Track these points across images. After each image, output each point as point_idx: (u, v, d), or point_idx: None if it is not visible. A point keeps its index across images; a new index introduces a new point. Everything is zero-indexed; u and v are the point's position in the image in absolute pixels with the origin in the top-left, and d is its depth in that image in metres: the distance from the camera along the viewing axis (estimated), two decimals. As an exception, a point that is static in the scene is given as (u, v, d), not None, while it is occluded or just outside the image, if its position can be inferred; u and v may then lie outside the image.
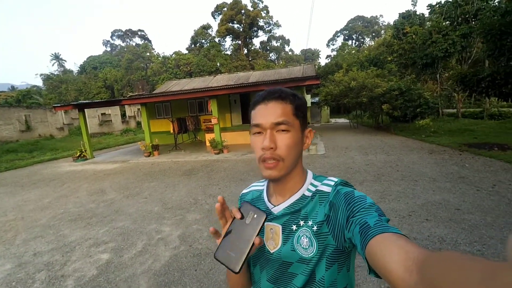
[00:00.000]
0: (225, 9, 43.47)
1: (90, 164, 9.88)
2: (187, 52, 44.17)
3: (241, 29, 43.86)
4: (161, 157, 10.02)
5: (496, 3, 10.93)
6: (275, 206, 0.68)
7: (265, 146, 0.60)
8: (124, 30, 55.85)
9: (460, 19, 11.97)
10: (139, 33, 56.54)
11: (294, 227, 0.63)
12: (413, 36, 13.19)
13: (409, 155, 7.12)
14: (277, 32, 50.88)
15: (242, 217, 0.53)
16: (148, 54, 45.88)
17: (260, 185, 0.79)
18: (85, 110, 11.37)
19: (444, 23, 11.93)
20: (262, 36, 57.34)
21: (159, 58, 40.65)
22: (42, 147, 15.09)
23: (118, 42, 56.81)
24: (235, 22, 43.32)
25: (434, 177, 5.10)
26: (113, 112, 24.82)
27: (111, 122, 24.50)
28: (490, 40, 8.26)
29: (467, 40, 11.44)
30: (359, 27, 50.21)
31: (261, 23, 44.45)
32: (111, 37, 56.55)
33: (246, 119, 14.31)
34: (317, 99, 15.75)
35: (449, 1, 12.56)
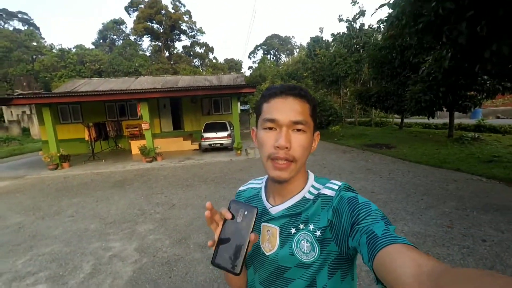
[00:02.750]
0: (142, 6, 40.03)
1: (-43, 184, 7.17)
2: (93, 47, 37.97)
3: (161, 30, 41.28)
4: (74, 169, 8.33)
5: (374, 40, 14.67)
6: (273, 206, 0.64)
7: (281, 145, 0.55)
8: (-5, 9, 42.81)
9: (353, 48, 15.42)
10: (19, 15, 44.55)
11: (293, 230, 0.60)
12: (322, 58, 15.97)
13: (330, 155, 8.60)
14: (201, 38, 50.57)
15: (233, 217, 0.50)
16: (35, 43, 36.70)
17: (257, 183, 0.75)
18: None
19: (343, 50, 15.03)
20: (185, 41, 55.76)
21: (54, 51, 33.23)
22: None
23: (-16, 22, 42.96)
24: (154, 21, 40.41)
25: (351, 170, 6.41)
26: (-17, 114, 18.58)
27: (-20, 128, 18.25)
28: (374, 67, 11.04)
29: (359, 65, 14.80)
30: (276, 44, 56.01)
31: (183, 27, 43.18)
32: (-27, 15, 42.28)
33: (177, 125, 13.62)
34: (247, 106, 16.74)
35: (346, 33, 16.00)
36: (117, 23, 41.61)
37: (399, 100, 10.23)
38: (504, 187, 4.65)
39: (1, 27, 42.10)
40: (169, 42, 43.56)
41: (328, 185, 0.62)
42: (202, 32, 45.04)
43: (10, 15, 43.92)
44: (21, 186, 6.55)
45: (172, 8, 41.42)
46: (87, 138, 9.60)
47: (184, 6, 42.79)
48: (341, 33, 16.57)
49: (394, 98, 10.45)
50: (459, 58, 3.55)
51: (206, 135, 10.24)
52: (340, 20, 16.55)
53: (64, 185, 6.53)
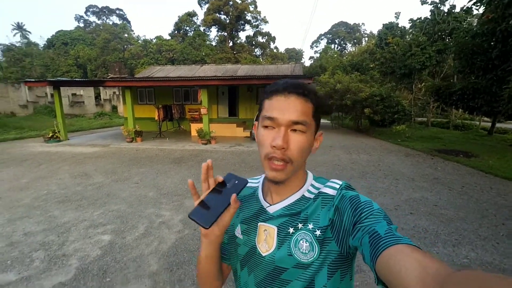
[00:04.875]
0: (213, -2, 42.31)
1: (65, 146, 9.21)
2: (169, 38, 42.35)
3: (227, 21, 42.99)
4: (144, 144, 9.67)
5: (467, 25, 12.10)
6: (270, 205, 0.63)
7: (277, 144, 0.54)
8: (100, 7, 51.79)
9: (436, 35, 13.06)
10: (117, 11, 52.81)
11: (291, 230, 0.58)
12: (395, 47, 14.09)
13: (389, 157, 7.71)
14: (264, 28, 50.71)
15: (224, 183, 0.52)
16: (126, 35, 43.12)
17: (254, 182, 0.72)
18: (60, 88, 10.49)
19: (422, 38, 12.91)
20: (249, 31, 56.86)
21: (139, 41, 38.50)
22: (4, 124, 13.65)
23: (93, 18, 52.52)
24: (222, 12, 42.34)
25: (412, 177, 5.62)
26: (86, 93, 23.12)
27: (83, 104, 22.81)
28: (462, 58, 9.16)
29: (441, 55, 12.53)
30: (342, 32, 51.98)
31: (248, 17, 44.00)
32: (85, 12, 52.03)
33: (232, 112, 14.27)
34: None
35: (428, 18, 13.63)
36: (190, 15, 45.15)
37: (492, 99, 8.29)
38: None
39: (104, 21, 50.91)
40: (233, 32, 45.16)
41: (329, 184, 0.61)
42: (266, 22, 45.10)
43: (111, 12, 52.53)
44: (105, 153, 7.98)
45: (240, -1, 42.51)
46: (156, 118, 10.99)
47: (251, -4, 43.33)
48: (422, 18, 14.21)
49: (485, 96, 8.51)
50: None
51: (258, 123, 10.42)
52: (424, 2, 14.15)
53: (135, 156, 7.67)
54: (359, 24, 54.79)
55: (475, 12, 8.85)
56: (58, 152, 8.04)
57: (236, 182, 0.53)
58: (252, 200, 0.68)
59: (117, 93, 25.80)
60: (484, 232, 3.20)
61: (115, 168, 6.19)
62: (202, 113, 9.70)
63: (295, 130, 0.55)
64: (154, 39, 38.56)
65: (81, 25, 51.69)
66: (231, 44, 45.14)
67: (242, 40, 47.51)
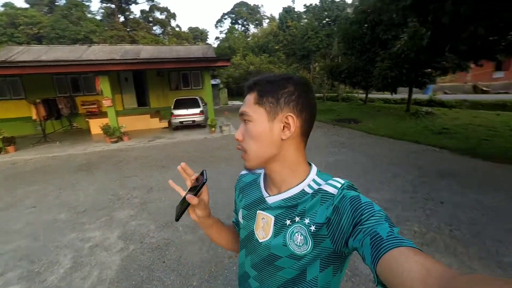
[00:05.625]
0: (86, -42, 33.71)
1: None
2: (28, 6, 31.66)
3: (112, -11, 35.75)
4: (22, 154, 7.33)
5: (345, 14, 14.72)
6: (270, 195, 0.65)
7: (235, 138, 0.62)
8: None
9: (325, 21, 15.30)
10: None
11: (288, 222, 0.60)
12: (294, 30, 15.64)
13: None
14: (161, 2, 45.28)
15: (197, 181, 0.62)
16: None
17: (259, 169, 0.75)
18: None
19: (314, 23, 14.85)
20: (143, 4, 49.46)
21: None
22: None
23: None
24: (103, -22, 34.67)
25: (326, 144, 6.71)
26: None
27: None
28: (346, 42, 11.19)
29: (329, 39, 14.87)
30: (244, 12, 52.83)
31: (139, -13, 38.00)
32: None
33: (141, 101, 12.58)
34: (217, 81, 15.98)
35: (318, 5, 15.70)
36: (54, -22, 34.72)
37: (367, 76, 10.71)
38: (453, 155, 5.33)
39: None
40: (123, 5, 38.23)
41: (330, 182, 0.60)
42: (161, -5, 40.25)
43: None
44: (-42, 175, 5.59)
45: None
46: (35, 117, 8.37)
47: (138, -38, 37.16)
48: (313, 5, 16.23)
49: (362, 74, 10.89)
50: (436, 37, 3.75)
51: (177, 112, 9.67)
52: (312, -10, 16.10)
53: (13, 171, 5.74)
54: (258, 5, 57.18)
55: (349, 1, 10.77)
56: None
57: (204, 180, 0.59)
58: (254, 187, 0.71)
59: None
60: (380, 178, 4.26)
61: (-15, 193, 4.47)
62: (105, 105, 8.09)
63: (245, 121, 0.60)
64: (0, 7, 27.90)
65: None
66: (122, 19, 38.25)
67: (136, 15, 41.03)
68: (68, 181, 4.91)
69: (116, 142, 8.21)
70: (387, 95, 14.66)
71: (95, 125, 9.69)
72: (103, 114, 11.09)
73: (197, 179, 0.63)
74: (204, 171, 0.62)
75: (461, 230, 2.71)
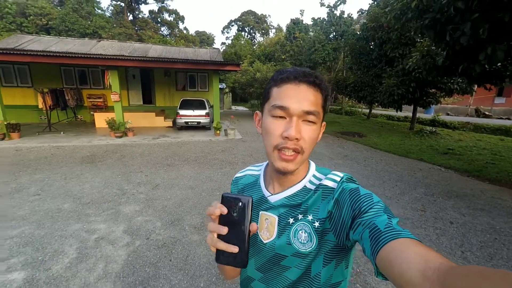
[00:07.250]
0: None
1: None
2: (40, -2, 32.02)
3: (125, -11, 36.35)
4: (26, 141, 7.28)
5: (352, 30, 15.02)
6: (272, 194, 0.63)
7: (291, 135, 0.52)
8: None
9: (332, 35, 15.59)
10: None
11: (291, 220, 0.59)
12: (301, 41, 15.89)
13: (307, 139, 8.88)
14: (171, 4, 46.02)
15: (229, 211, 0.47)
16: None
17: (256, 170, 0.73)
18: None
19: (322, 36, 15.12)
20: (152, 5, 50.24)
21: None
22: None
23: None
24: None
25: (330, 156, 6.72)
26: None
27: None
28: (353, 56, 11.38)
29: (335, 53, 15.12)
30: (251, 21, 53.79)
31: (151, -13, 38.67)
32: None
33: (147, 99, 12.62)
34: (223, 85, 16.11)
35: (326, 19, 16.04)
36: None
37: (373, 91, 10.85)
38: (459, 176, 5.35)
39: None
40: (133, 4, 38.81)
41: (330, 176, 0.60)
42: (173, -3, 40.95)
43: None
44: (-40, 158, 5.53)
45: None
46: (41, 106, 8.38)
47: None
48: (321, 18, 16.56)
49: (368, 89, 11.04)
50: (451, 57, 3.84)
51: (183, 112, 9.70)
52: (322, 4, 16.47)
53: (18, 158, 5.68)
54: (265, 15, 58.12)
55: (363, 20, 11.02)
56: None
57: (240, 204, 0.46)
58: (254, 188, 0.68)
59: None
60: (388, 193, 4.26)
61: (-12, 178, 4.42)
62: (113, 99, 8.10)
63: (306, 121, 0.54)
64: (12, -4, 28.15)
65: None
66: (131, 18, 38.75)
67: (145, 15, 41.63)
68: (73, 172, 4.86)
69: (120, 137, 8.18)
70: (390, 112, 14.82)
71: (100, 119, 9.68)
72: (108, 109, 11.11)
73: (225, 205, 0.47)
74: (228, 195, 0.47)
75: (472, 252, 2.69)
